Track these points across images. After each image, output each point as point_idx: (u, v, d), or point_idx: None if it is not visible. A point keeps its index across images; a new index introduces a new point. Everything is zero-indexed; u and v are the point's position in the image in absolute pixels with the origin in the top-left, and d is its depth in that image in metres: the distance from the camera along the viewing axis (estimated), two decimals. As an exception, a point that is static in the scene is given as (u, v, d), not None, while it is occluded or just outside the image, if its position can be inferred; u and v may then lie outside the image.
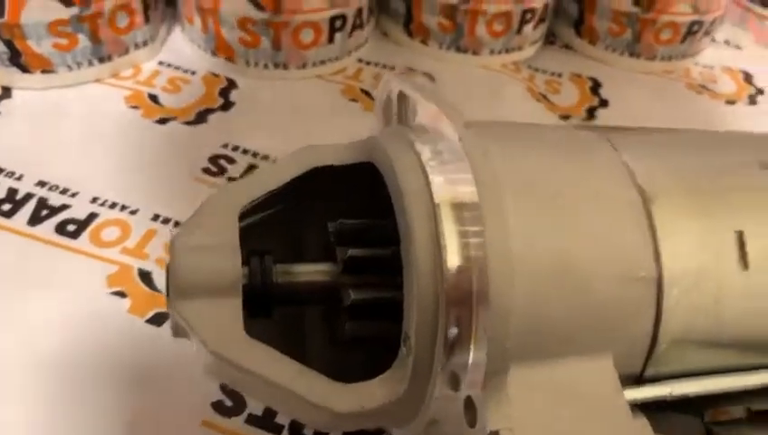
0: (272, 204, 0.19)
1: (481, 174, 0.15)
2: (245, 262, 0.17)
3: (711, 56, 0.47)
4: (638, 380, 0.18)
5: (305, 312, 0.22)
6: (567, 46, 0.46)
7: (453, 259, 0.15)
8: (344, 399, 0.16)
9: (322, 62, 0.39)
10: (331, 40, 0.38)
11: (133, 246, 0.28)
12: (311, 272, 0.19)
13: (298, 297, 0.19)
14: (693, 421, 0.19)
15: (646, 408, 0.17)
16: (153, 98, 0.36)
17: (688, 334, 0.17)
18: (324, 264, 0.19)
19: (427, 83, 0.19)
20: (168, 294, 0.17)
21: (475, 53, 0.41)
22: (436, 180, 0.16)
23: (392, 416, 0.17)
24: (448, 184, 0.16)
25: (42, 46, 0.34)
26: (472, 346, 0.15)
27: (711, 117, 0.42)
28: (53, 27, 0.33)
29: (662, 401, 0.18)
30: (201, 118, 0.35)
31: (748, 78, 0.46)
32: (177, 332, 0.17)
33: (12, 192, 0.30)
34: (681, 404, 0.18)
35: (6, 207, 0.29)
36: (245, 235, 0.17)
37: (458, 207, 0.16)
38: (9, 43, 0.33)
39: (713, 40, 0.49)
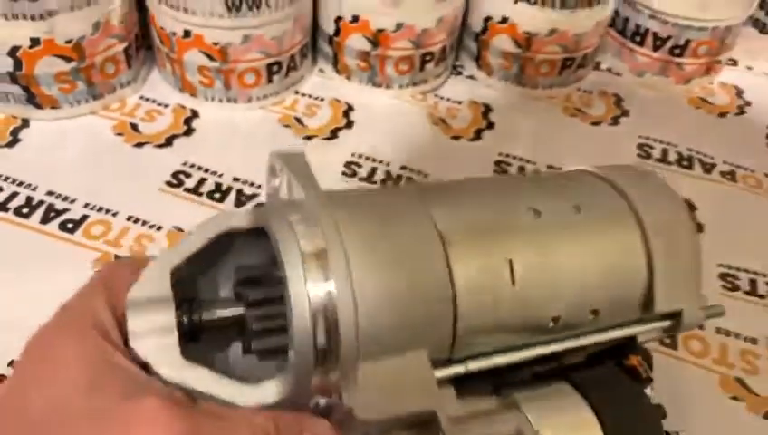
0: (196, 259, 0.25)
1: (331, 237, 0.22)
2: (178, 306, 0.23)
3: (593, 82, 0.58)
4: (448, 362, 0.25)
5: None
6: (471, 77, 0.57)
7: (316, 296, 0.21)
8: (247, 396, 0.22)
9: (265, 97, 0.50)
10: (269, 80, 0.49)
11: (113, 239, 0.40)
12: (225, 311, 0.25)
13: (217, 328, 0.25)
14: (485, 384, 0.27)
15: (457, 381, 0.25)
16: (134, 126, 0.48)
17: (476, 328, 0.25)
18: (234, 303, 0.25)
19: (301, 159, 0.25)
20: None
21: (387, 86, 0.52)
22: (302, 242, 0.22)
23: (289, 405, 0.23)
24: (311, 245, 0.22)
25: (50, 90, 0.46)
26: (337, 354, 0.22)
27: (578, 135, 0.52)
28: (58, 76, 0.45)
29: (466, 374, 0.25)
30: (168, 142, 0.47)
31: (618, 101, 0.56)
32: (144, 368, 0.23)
33: (29, 199, 0.42)
34: (484, 375, 0.26)
35: (25, 210, 0.41)
36: (181, 284, 0.24)
37: (318, 257, 0.22)
38: (26, 88, 0.45)
39: (596, 68, 0.59)
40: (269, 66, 0.48)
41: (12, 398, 0.22)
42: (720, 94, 0.58)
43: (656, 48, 0.55)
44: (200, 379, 0.23)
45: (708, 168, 0.51)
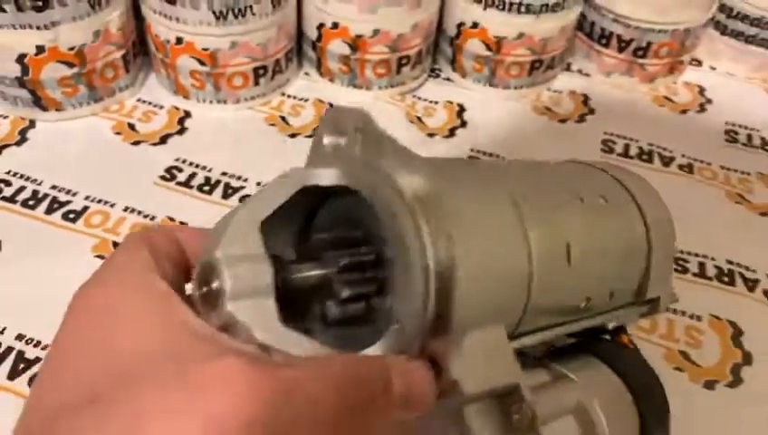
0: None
1: (446, 205, 0.22)
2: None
3: (564, 82, 0.61)
4: (512, 337, 0.26)
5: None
6: (448, 79, 0.61)
7: (438, 260, 0.21)
8: None
9: (252, 98, 0.54)
10: (256, 83, 0.53)
11: (111, 227, 0.44)
12: (313, 272, 0.23)
13: (300, 291, 0.22)
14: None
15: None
16: (131, 126, 0.52)
17: (539, 306, 0.26)
18: (317, 265, 0.23)
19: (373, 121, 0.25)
20: (214, 297, 0.20)
21: (367, 88, 0.56)
22: (417, 206, 0.21)
23: None
24: (424, 210, 0.21)
25: (55, 93, 0.50)
26: (448, 323, 0.22)
27: (546, 132, 0.56)
28: (62, 81, 0.49)
29: (520, 350, 0.27)
30: (163, 140, 0.51)
31: (586, 100, 0.60)
32: (227, 327, 0.20)
33: (35, 192, 0.46)
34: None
35: (31, 202, 0.45)
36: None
37: (433, 223, 0.21)
38: (33, 92, 0.49)
39: (567, 69, 0.63)
40: (255, 70, 0.52)
41: (70, 358, 0.20)
42: (683, 93, 0.61)
43: (620, 50, 0.59)
44: (299, 346, 0.21)
45: (667, 161, 0.54)
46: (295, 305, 0.22)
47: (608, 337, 0.35)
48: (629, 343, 0.35)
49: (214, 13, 0.47)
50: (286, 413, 0.18)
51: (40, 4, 0.45)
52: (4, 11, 0.45)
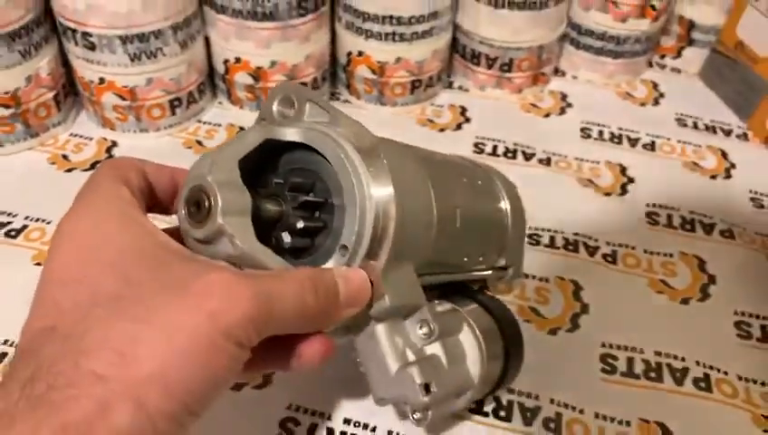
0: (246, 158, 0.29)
1: (379, 160, 0.29)
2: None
3: (445, 98, 0.71)
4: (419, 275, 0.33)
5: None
6: (347, 101, 0.70)
7: (378, 196, 0.28)
8: None
9: (171, 126, 0.62)
10: (173, 113, 0.61)
11: (47, 241, 0.52)
12: (274, 207, 0.29)
13: (265, 221, 0.29)
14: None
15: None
16: (65, 156, 0.60)
17: (440, 251, 0.34)
18: (279, 202, 0.29)
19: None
20: (205, 214, 0.26)
21: (272, 111, 0.65)
22: (362, 156, 0.28)
23: None
24: (368, 159, 0.29)
25: (-6, 132, 0.58)
26: (380, 247, 0.29)
27: (427, 139, 0.65)
28: (0, 121, 0.57)
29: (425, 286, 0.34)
30: (93, 166, 0.59)
31: (463, 111, 0.70)
32: (210, 240, 0.26)
33: (-20, 217, 0.53)
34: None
35: (-23, 225, 0.53)
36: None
37: (374, 169, 0.28)
38: (-26, 132, 0.57)
39: (450, 87, 0.73)
40: (171, 102, 0.61)
41: (73, 278, 0.24)
42: (547, 100, 0.72)
43: (489, 66, 0.69)
44: (268, 256, 0.27)
45: (528, 157, 0.64)
46: (257, 233, 0.28)
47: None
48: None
49: (129, 55, 0.56)
50: (269, 309, 0.24)
51: (-24, 56, 0.53)
52: (-55, 64, 0.53)
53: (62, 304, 0.23)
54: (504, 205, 0.42)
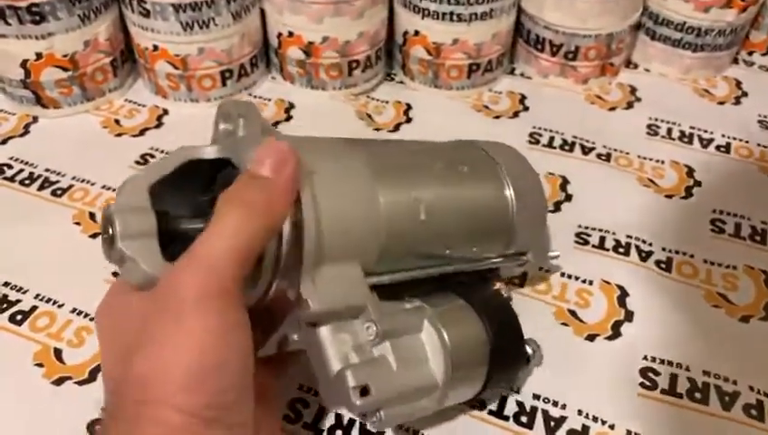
0: (166, 180, 0.30)
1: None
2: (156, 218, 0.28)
3: (505, 84, 0.68)
4: (372, 274, 0.33)
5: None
6: (401, 82, 0.68)
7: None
8: None
9: (221, 97, 0.62)
10: (224, 84, 0.61)
11: (89, 201, 0.52)
12: (189, 225, 0.30)
13: (182, 239, 0.28)
14: (398, 295, 0.36)
15: (379, 291, 0.33)
16: (117, 121, 0.61)
17: (394, 249, 0.33)
18: (198, 221, 0.29)
19: (254, 108, 0.33)
20: (110, 240, 0.27)
21: (323, 89, 0.64)
22: None
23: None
24: None
25: (53, 93, 0.59)
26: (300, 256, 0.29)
27: (481, 127, 0.63)
28: (58, 83, 0.58)
29: (385, 284, 0.34)
30: (142, 133, 0.60)
31: (522, 99, 0.66)
32: (119, 261, 0.27)
33: (31, 174, 0.55)
34: (395, 288, 0.35)
35: (27, 181, 0.54)
36: (154, 200, 0.29)
37: None
38: (34, 92, 0.59)
39: (511, 73, 0.69)
40: (222, 73, 0.60)
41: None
42: (615, 92, 0.67)
43: (553, 54, 0.65)
44: None
45: (587, 150, 0.60)
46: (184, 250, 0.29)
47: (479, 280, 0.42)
48: (501, 289, 0.42)
49: (181, 24, 0.56)
50: (233, 234, 0.26)
51: (37, 18, 0.54)
52: (8, 24, 0.54)
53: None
54: (507, 190, 0.39)
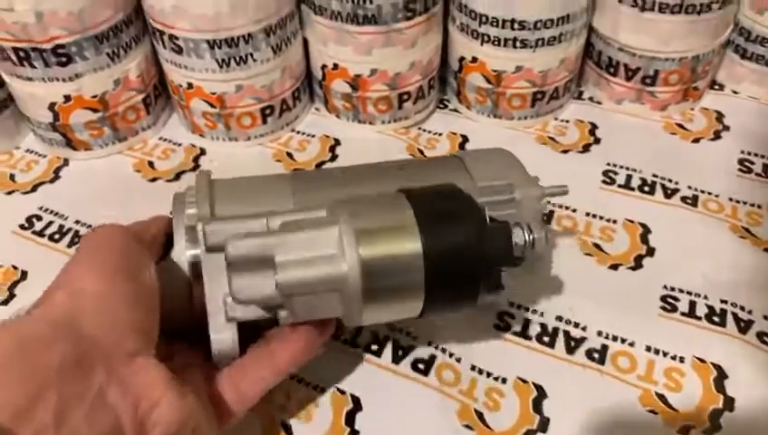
0: None
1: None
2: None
3: (572, 111, 0.61)
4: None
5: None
6: (455, 110, 0.62)
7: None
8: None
9: (262, 135, 0.57)
10: (264, 121, 0.56)
11: (121, 260, 0.48)
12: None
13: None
14: None
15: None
16: (150, 164, 0.57)
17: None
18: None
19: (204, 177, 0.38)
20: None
21: (371, 123, 0.58)
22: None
23: None
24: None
25: (83, 135, 0.55)
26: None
27: (546, 162, 0.56)
28: (88, 124, 0.54)
29: None
30: (177, 177, 0.55)
31: (593, 129, 0.59)
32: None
33: (60, 227, 0.51)
34: None
35: (57, 236, 0.50)
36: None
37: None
38: (64, 135, 0.55)
39: (579, 97, 0.63)
40: (262, 110, 0.55)
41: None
42: (699, 119, 0.60)
43: (628, 78, 0.58)
44: None
45: (670, 193, 0.53)
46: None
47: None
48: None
49: (217, 61, 0.51)
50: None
51: (64, 60, 0.50)
52: (34, 67, 0.50)
53: None
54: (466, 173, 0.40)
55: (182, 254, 0.35)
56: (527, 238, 0.33)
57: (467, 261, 0.31)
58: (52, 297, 0.29)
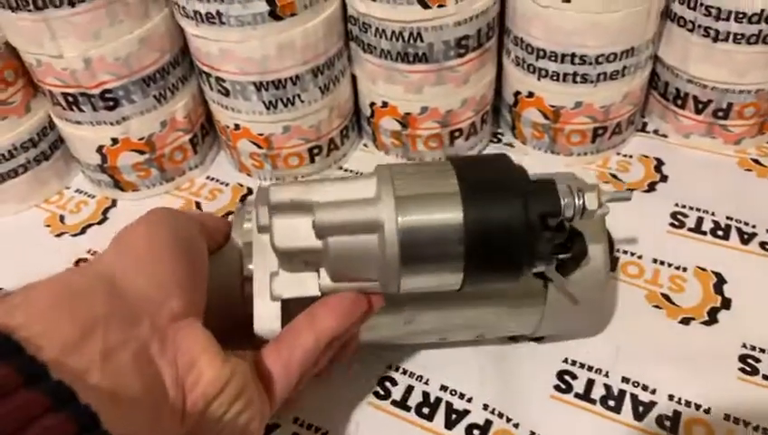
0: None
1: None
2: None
3: (636, 145, 0.58)
4: None
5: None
6: (509, 144, 0.59)
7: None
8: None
9: (309, 174, 0.56)
10: (312, 161, 0.55)
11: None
12: None
13: None
14: None
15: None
16: (198, 205, 0.56)
17: None
18: None
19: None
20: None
21: (420, 160, 0.56)
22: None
23: None
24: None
25: (130, 177, 0.55)
26: None
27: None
28: (136, 166, 0.54)
29: None
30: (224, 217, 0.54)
31: (659, 165, 0.55)
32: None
33: (109, 272, 0.51)
34: None
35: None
36: None
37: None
38: (112, 176, 0.55)
39: (642, 130, 0.59)
40: (310, 150, 0.54)
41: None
42: (776, 154, 0.55)
43: (698, 111, 0.54)
44: None
45: (747, 238, 0.49)
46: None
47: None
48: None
49: (263, 103, 0.50)
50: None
51: (111, 103, 0.50)
52: (83, 111, 0.50)
53: None
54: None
55: (236, 243, 0.36)
56: (576, 202, 0.31)
57: (513, 228, 0.30)
58: (102, 255, 0.30)
